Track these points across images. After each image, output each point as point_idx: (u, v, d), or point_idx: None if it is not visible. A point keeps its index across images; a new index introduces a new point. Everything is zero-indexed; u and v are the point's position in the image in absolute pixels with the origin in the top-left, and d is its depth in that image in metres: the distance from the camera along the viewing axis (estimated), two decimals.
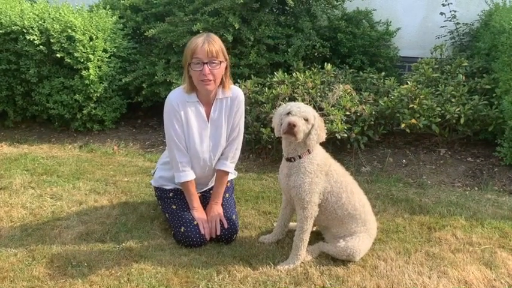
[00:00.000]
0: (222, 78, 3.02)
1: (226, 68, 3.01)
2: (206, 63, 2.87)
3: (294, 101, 4.32)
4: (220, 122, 3.12)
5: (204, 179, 3.31)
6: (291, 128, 2.66)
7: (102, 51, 5.19)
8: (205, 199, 3.32)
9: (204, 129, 3.11)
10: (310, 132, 2.72)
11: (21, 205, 3.61)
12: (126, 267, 2.83)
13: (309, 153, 2.79)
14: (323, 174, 2.81)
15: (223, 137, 3.15)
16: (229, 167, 3.22)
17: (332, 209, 2.84)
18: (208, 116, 3.10)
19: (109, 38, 5.30)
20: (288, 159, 2.83)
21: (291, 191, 2.82)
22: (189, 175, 3.14)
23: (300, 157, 2.79)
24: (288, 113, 2.70)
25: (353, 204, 2.85)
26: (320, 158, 2.82)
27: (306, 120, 2.69)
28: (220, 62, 2.92)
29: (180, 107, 3.02)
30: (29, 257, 2.92)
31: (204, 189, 3.38)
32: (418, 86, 4.57)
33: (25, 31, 4.96)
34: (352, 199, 2.86)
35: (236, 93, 3.13)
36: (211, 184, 3.38)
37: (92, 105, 5.18)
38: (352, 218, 2.87)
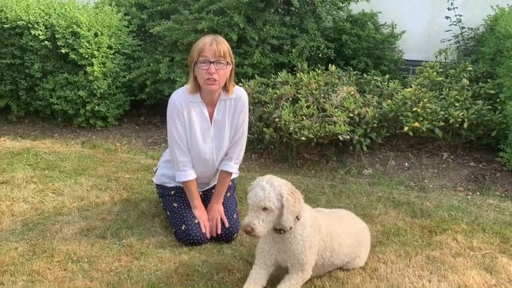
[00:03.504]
0: (225, 82, 3.01)
1: (230, 72, 3.00)
2: (213, 62, 2.87)
3: (298, 102, 4.32)
4: (223, 123, 3.11)
5: (205, 178, 3.31)
6: (247, 232, 2.34)
7: (107, 48, 5.20)
8: (207, 198, 3.32)
9: (207, 130, 3.10)
10: (283, 214, 2.36)
11: (22, 199, 3.62)
12: (127, 264, 2.83)
13: (298, 219, 2.47)
14: (317, 233, 2.54)
15: (226, 138, 3.14)
16: (233, 167, 3.22)
17: (330, 262, 2.68)
18: (211, 117, 3.10)
19: (114, 34, 5.31)
20: (277, 230, 2.48)
21: (288, 260, 2.51)
22: (190, 175, 3.14)
23: (290, 227, 2.46)
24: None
25: (347, 243, 2.68)
26: (310, 218, 2.53)
27: (266, 209, 2.33)
28: (227, 62, 2.92)
29: (183, 107, 3.02)
30: (29, 252, 2.93)
31: (206, 188, 3.39)
32: (422, 89, 4.57)
33: (30, 26, 4.98)
34: (345, 241, 2.67)
35: (240, 94, 3.12)
36: (213, 183, 3.38)
37: (95, 101, 5.19)
38: (352, 252, 2.75)
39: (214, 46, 2.87)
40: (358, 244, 2.79)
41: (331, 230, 2.62)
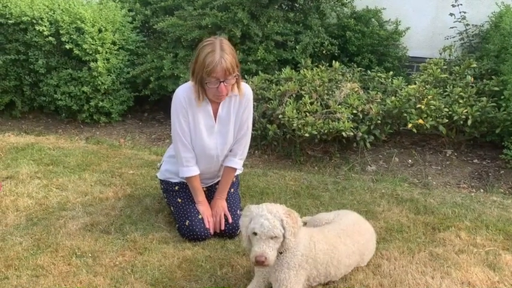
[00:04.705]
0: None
1: (237, 76, 2.98)
2: (223, 81, 2.86)
3: (301, 98, 4.32)
4: (228, 119, 3.11)
5: (209, 174, 3.31)
6: (261, 262, 2.35)
7: (111, 44, 5.21)
8: (211, 193, 3.33)
9: (212, 126, 3.10)
10: (285, 237, 2.41)
11: (27, 195, 3.64)
12: (130, 259, 2.84)
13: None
14: (309, 263, 2.53)
15: (230, 134, 3.14)
16: (238, 163, 3.23)
17: (333, 274, 2.64)
18: (216, 114, 3.09)
19: (118, 30, 5.33)
20: None
21: (273, 284, 2.54)
22: (193, 170, 3.14)
23: (281, 252, 2.49)
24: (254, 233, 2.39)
25: (346, 264, 2.65)
26: (304, 245, 2.52)
27: (274, 237, 2.38)
28: (235, 75, 2.91)
29: (187, 104, 3.02)
30: (34, 246, 2.95)
31: (210, 184, 3.39)
32: (426, 86, 4.55)
33: (35, 22, 4.99)
34: (344, 262, 2.63)
35: (245, 90, 3.11)
36: (217, 179, 3.38)
37: (99, 97, 5.21)
38: (352, 266, 2.72)
39: (224, 64, 2.79)
40: (360, 258, 2.76)
41: (330, 257, 2.58)
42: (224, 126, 3.12)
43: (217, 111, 3.08)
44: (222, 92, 2.89)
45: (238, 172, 3.38)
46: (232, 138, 3.16)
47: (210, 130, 3.10)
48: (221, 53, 2.82)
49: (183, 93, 3.03)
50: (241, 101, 3.10)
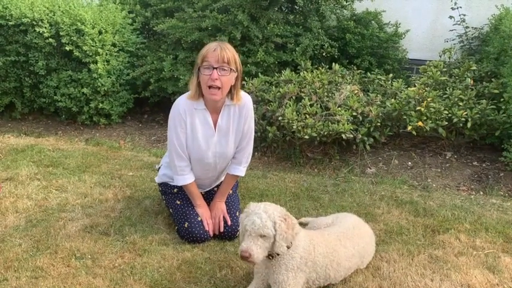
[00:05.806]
0: (231, 89, 2.98)
1: (236, 79, 2.96)
2: (216, 68, 2.85)
3: (301, 100, 4.32)
4: (228, 129, 3.09)
5: (207, 180, 3.31)
6: (245, 258, 2.36)
7: (111, 45, 5.22)
8: (209, 196, 3.33)
9: (211, 136, 3.08)
10: (276, 240, 2.39)
11: (26, 196, 3.63)
12: (130, 261, 2.84)
13: (288, 247, 2.46)
14: (308, 266, 2.52)
15: (230, 144, 3.12)
16: (243, 171, 3.24)
17: (333, 277, 2.63)
18: (215, 124, 3.07)
19: (118, 32, 5.33)
20: (266, 256, 2.48)
21: (272, 286, 2.53)
22: (188, 178, 3.13)
23: (278, 254, 2.47)
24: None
25: (346, 267, 2.65)
26: (303, 247, 2.51)
27: (264, 236, 2.37)
28: (231, 69, 2.88)
29: (186, 115, 3.00)
30: (33, 248, 2.94)
31: (207, 190, 3.39)
32: (426, 88, 4.56)
33: (35, 23, 4.99)
34: (344, 265, 2.63)
35: (244, 100, 3.09)
36: (214, 184, 3.38)
37: (99, 99, 5.21)
38: (352, 268, 2.72)
39: (218, 52, 2.83)
40: (360, 260, 2.75)
41: (330, 259, 2.57)
42: (224, 136, 3.10)
43: (216, 121, 3.07)
44: (213, 78, 2.83)
45: None
46: (232, 148, 3.14)
47: (210, 140, 3.08)
48: (220, 44, 2.90)
49: (183, 103, 3.01)
50: (241, 111, 3.08)
